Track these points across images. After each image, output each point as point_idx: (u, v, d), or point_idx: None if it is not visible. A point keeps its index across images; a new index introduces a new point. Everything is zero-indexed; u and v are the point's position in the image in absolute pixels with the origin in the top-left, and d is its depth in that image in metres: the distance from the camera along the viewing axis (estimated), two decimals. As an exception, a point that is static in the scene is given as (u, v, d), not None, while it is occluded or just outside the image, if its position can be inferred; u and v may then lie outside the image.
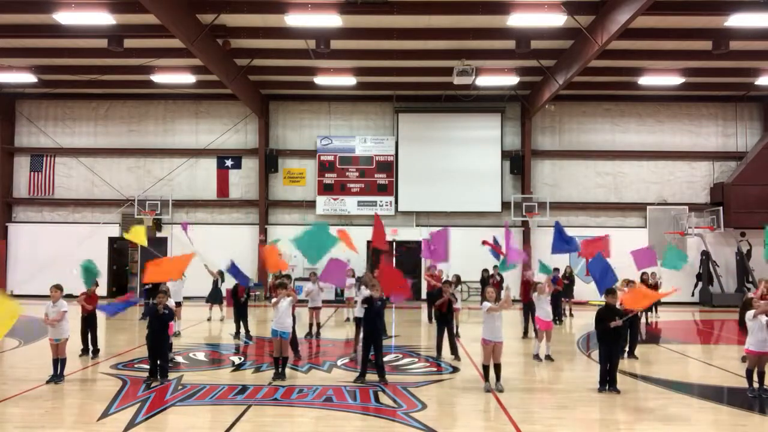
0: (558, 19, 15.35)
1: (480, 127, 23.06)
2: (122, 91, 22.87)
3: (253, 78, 21.24)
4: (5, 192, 23.44)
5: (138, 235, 11.06)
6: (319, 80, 20.44)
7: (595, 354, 9.79)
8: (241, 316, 13.85)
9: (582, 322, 16.56)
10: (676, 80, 20.16)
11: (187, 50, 15.86)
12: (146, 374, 9.38)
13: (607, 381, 8.93)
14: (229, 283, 16.89)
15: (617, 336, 9.07)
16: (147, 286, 16.33)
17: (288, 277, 11.66)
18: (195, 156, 23.44)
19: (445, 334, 11.41)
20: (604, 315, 8.95)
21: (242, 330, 13.79)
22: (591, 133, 23.48)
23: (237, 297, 13.97)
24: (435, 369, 10.52)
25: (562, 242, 11.78)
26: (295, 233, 10.55)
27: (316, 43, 16.56)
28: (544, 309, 11.42)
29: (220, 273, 16.30)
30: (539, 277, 12.70)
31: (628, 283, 11.65)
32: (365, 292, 10.50)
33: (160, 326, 9.39)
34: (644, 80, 20.24)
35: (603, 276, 9.82)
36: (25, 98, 23.53)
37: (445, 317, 11.39)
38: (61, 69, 20.17)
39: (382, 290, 9.54)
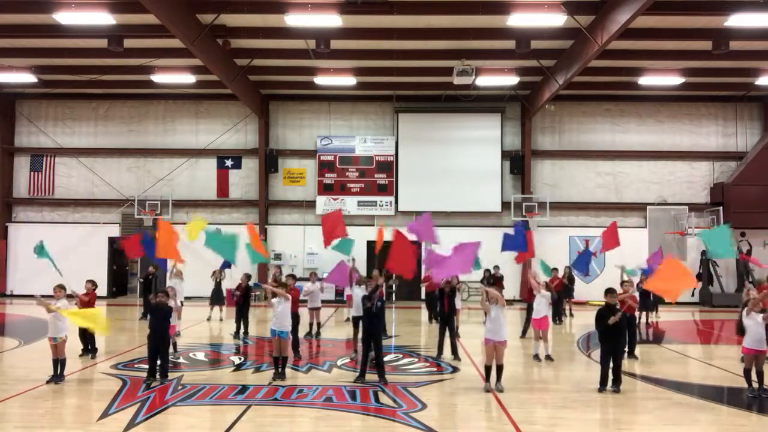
0: (558, 19, 15.34)
1: (480, 127, 23.06)
2: (122, 91, 22.86)
3: (253, 78, 21.23)
4: (5, 192, 23.44)
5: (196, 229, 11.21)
6: (319, 80, 20.44)
7: (595, 354, 9.79)
8: (241, 315, 13.86)
9: (582, 322, 16.57)
10: (676, 80, 20.15)
11: (187, 50, 15.85)
12: (146, 374, 9.37)
13: (611, 379, 8.94)
14: (230, 283, 16.97)
15: (618, 334, 9.07)
16: (141, 280, 16.34)
17: (293, 277, 11.71)
18: (195, 156, 23.43)
19: (446, 334, 11.42)
20: (605, 314, 8.96)
21: (242, 330, 13.80)
22: (591, 133, 23.48)
23: (242, 295, 14.00)
24: (435, 369, 10.52)
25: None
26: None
27: (316, 43, 16.56)
28: (537, 309, 11.45)
29: (221, 272, 16.30)
30: (540, 276, 12.75)
31: (623, 283, 11.65)
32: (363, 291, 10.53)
33: (162, 326, 9.38)
34: (644, 80, 20.24)
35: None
36: (25, 98, 23.53)
37: (446, 317, 11.39)
38: (61, 69, 20.16)
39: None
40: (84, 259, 21.38)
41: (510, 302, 15.44)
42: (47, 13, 15.11)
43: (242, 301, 13.99)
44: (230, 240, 10.98)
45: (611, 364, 8.94)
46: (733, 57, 17.60)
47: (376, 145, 23.08)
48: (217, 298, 16.51)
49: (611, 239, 13.40)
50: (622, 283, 11.68)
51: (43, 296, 9.34)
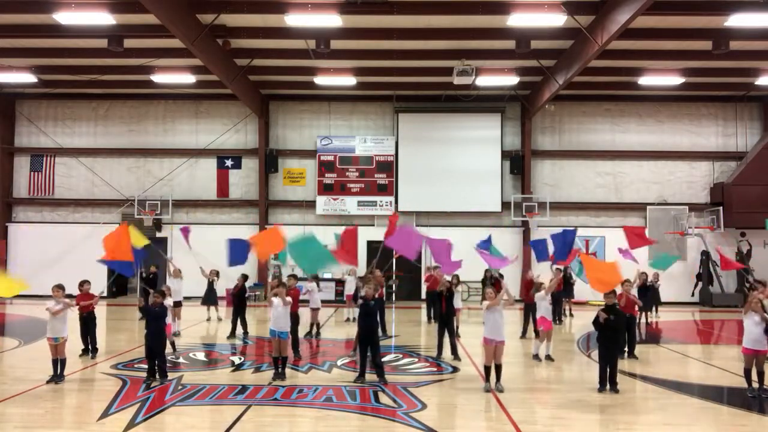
0: (558, 19, 15.34)
1: (480, 127, 23.06)
2: (122, 91, 22.86)
3: (253, 78, 21.23)
4: (5, 192, 23.44)
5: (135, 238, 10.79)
6: (319, 80, 20.44)
7: (595, 354, 9.79)
8: (238, 316, 13.82)
9: (582, 322, 16.57)
10: (676, 80, 20.15)
11: (187, 50, 15.85)
12: (146, 374, 9.36)
13: (607, 381, 8.94)
14: (229, 283, 16.93)
15: (615, 336, 9.07)
16: (147, 275, 16.24)
17: (294, 277, 11.70)
18: (195, 156, 23.43)
19: (446, 334, 11.42)
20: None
21: (239, 329, 13.76)
22: (591, 133, 23.48)
23: (237, 296, 13.96)
24: (435, 369, 10.52)
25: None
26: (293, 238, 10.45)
27: (316, 43, 16.56)
28: (546, 308, 11.42)
29: (216, 273, 16.22)
30: (539, 277, 12.74)
31: (624, 282, 11.65)
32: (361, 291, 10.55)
33: (156, 326, 9.37)
34: (644, 80, 20.23)
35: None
36: (25, 98, 23.53)
37: (445, 317, 11.39)
38: (61, 69, 20.16)
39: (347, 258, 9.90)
40: (84, 259, 21.36)
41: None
42: (47, 13, 15.10)
43: (238, 301, 13.93)
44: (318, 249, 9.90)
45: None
46: (733, 57, 17.60)
47: (376, 145, 23.08)
48: (208, 298, 16.45)
49: (638, 240, 13.09)
50: (622, 282, 11.67)
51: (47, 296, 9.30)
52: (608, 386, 8.92)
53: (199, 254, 15.39)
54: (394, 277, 21.03)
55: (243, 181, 23.49)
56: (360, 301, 9.50)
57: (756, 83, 20.63)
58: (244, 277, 14.34)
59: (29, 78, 20.76)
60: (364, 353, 9.49)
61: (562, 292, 16.67)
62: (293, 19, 15.32)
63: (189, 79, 20.44)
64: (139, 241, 10.95)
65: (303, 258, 9.95)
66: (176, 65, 19.46)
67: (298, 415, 7.82)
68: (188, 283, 14.80)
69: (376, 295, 9.71)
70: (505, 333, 9.07)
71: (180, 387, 8.93)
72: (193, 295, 19.36)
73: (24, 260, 22.83)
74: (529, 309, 13.75)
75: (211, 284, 16.32)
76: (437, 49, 18.13)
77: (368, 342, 9.39)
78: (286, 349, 9.82)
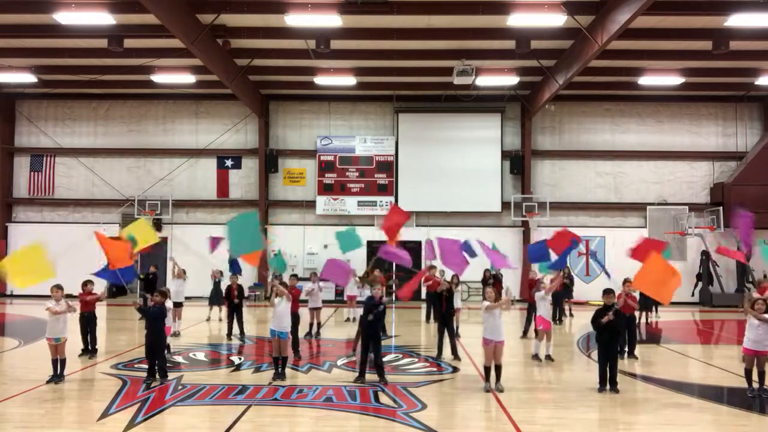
0: (558, 19, 15.35)
1: (480, 127, 23.06)
2: (122, 91, 22.87)
3: (253, 78, 21.24)
4: (5, 192, 23.45)
5: (145, 234, 10.52)
6: (319, 80, 20.44)
7: (595, 354, 9.79)
8: (235, 315, 13.78)
9: (582, 322, 16.56)
10: (676, 80, 20.16)
11: (187, 50, 15.86)
12: (146, 374, 9.36)
13: (607, 381, 8.94)
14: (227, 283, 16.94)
15: (614, 335, 9.07)
16: (146, 275, 16.20)
17: (295, 276, 11.69)
18: (195, 156, 23.44)
19: (446, 334, 11.42)
20: (602, 314, 8.96)
21: (236, 329, 13.74)
22: (591, 133, 23.49)
23: (231, 297, 13.92)
24: (435, 369, 10.52)
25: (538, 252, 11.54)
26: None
27: (316, 43, 16.55)
28: (545, 308, 11.41)
29: (220, 273, 16.28)
30: (544, 276, 12.73)
31: (624, 283, 11.64)
32: (367, 292, 10.57)
33: (156, 326, 9.36)
34: (644, 80, 20.24)
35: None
36: (25, 98, 23.53)
37: (445, 317, 11.39)
38: (61, 69, 20.17)
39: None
40: (84, 259, 21.38)
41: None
42: (47, 13, 15.11)
43: (233, 301, 13.87)
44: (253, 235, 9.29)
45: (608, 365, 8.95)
46: (733, 57, 17.60)
47: (376, 145, 23.08)
48: (216, 298, 16.48)
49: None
50: (624, 282, 11.66)
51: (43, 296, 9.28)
52: (608, 386, 8.91)
53: (200, 255, 15.38)
54: (394, 278, 21.03)
55: (243, 181, 23.50)
56: (376, 308, 9.37)
57: (756, 83, 20.64)
58: (237, 276, 14.32)
59: (29, 78, 20.77)
60: (365, 353, 9.48)
61: (562, 292, 16.66)
62: (293, 19, 15.33)
63: (189, 79, 20.45)
64: (151, 237, 10.73)
65: (236, 240, 9.19)
66: (176, 65, 19.46)
67: (298, 415, 7.82)
68: (189, 283, 14.79)
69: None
70: (504, 333, 9.07)
71: (180, 387, 8.92)
72: (194, 295, 19.39)
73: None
74: (532, 309, 13.73)
75: (217, 284, 16.34)
76: (437, 49, 18.13)
77: (370, 343, 9.38)
78: (286, 349, 9.82)
